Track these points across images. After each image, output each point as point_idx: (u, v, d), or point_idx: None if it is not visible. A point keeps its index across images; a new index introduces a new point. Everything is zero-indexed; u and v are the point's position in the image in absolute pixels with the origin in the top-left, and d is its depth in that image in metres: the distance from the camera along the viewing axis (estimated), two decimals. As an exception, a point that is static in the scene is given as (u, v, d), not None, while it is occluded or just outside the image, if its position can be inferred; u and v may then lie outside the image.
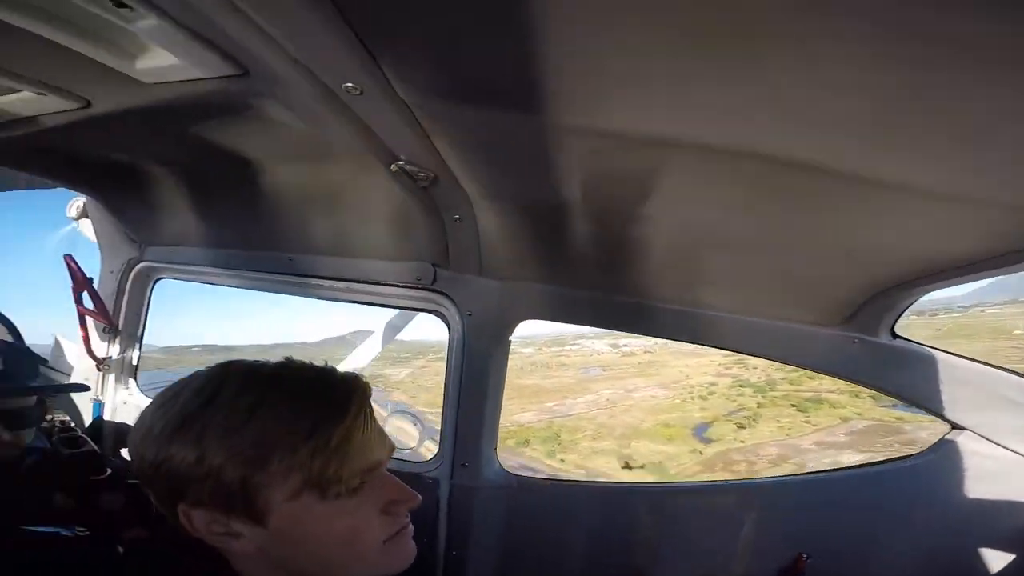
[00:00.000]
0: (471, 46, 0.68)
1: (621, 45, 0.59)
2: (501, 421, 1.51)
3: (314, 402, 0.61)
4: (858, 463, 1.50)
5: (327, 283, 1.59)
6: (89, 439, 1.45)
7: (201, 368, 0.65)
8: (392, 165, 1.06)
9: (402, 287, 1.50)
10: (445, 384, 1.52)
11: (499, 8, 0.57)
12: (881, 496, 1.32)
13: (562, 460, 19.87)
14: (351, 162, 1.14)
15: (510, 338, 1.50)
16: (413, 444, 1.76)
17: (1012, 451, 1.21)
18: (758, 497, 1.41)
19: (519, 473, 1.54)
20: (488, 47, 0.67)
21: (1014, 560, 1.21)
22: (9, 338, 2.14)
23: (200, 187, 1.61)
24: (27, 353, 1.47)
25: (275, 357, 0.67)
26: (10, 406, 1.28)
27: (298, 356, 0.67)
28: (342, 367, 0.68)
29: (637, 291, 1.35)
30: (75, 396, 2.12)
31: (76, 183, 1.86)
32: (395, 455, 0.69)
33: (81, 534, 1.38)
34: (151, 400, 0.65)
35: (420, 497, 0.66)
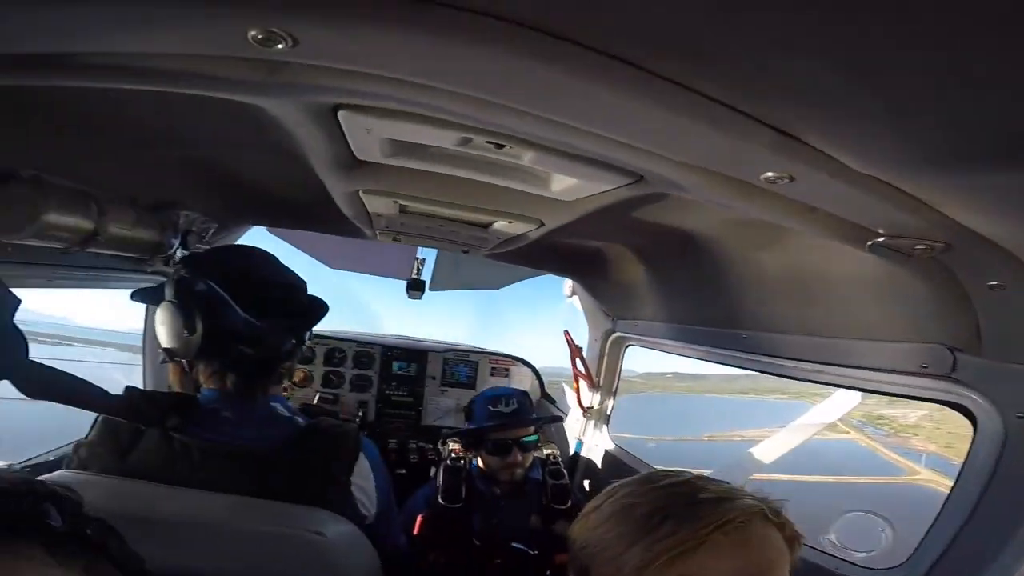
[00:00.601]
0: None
1: None
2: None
3: (650, 528, 0.67)
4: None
5: (790, 363, 1.40)
6: (565, 473, 1.75)
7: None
8: (868, 241, 0.83)
9: (900, 373, 1.14)
10: (955, 482, 1.07)
11: None
12: None
13: None
14: (810, 235, 0.97)
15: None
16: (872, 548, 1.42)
17: None
18: None
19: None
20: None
21: None
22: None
23: (654, 266, 1.77)
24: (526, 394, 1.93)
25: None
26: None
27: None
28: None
29: None
30: (567, 433, 2.72)
31: (560, 270, 2.46)
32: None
33: (532, 553, 1.66)
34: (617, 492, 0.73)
35: None
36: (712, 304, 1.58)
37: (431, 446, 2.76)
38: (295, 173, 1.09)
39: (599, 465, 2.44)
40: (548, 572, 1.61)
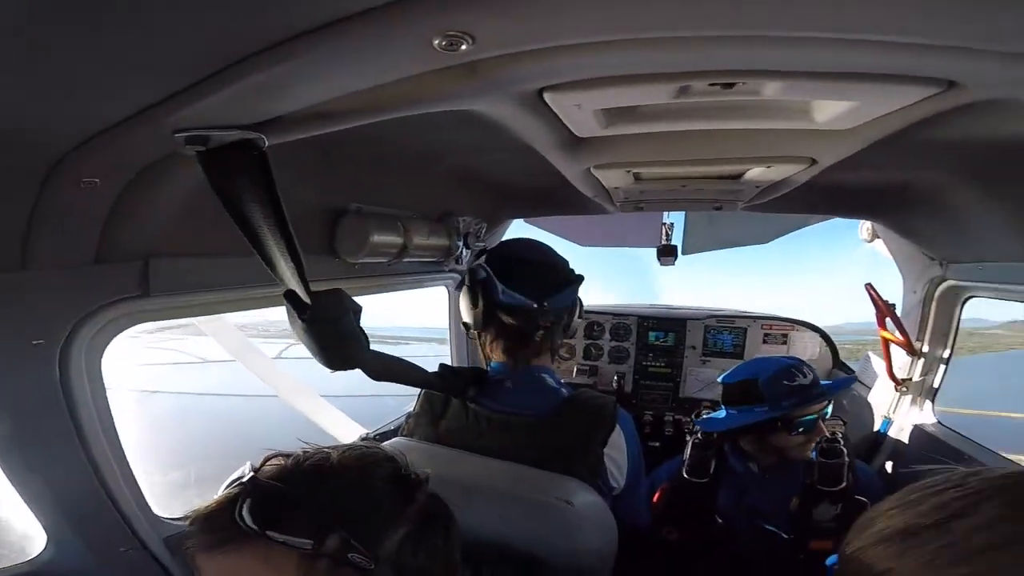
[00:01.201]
0: None
1: None
2: None
3: None
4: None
5: None
6: (844, 451, 1.43)
7: None
8: None
9: None
10: None
11: None
12: None
13: None
14: None
15: None
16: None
17: None
18: None
19: None
20: None
21: None
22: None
23: (998, 190, 1.26)
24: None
25: None
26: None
27: None
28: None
29: None
30: (873, 412, 2.21)
31: (852, 212, 1.96)
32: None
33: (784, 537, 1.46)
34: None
35: None
36: None
37: (688, 419, 2.60)
38: (531, 164, 1.16)
39: (916, 450, 1.93)
40: (801, 557, 1.40)
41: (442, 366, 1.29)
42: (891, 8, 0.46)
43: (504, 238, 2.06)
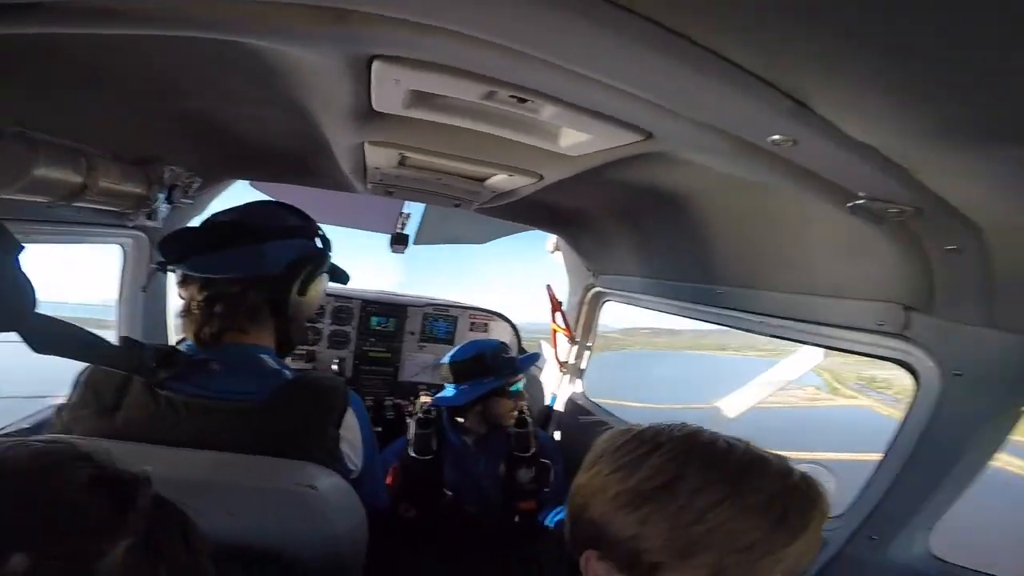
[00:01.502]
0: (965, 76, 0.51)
1: None
2: None
3: (780, 512, 0.59)
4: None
5: (757, 318, 1.51)
6: (530, 421, 1.81)
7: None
8: (848, 203, 0.90)
9: (857, 330, 1.25)
10: (892, 439, 1.20)
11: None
12: None
13: None
14: (790, 195, 1.04)
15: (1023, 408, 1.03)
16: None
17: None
18: None
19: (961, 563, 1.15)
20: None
21: None
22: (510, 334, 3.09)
23: (635, 223, 1.84)
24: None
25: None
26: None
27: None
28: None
29: None
30: (545, 389, 2.84)
31: (547, 226, 2.51)
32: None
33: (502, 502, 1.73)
34: (607, 438, 0.72)
35: None
36: (691, 260, 1.67)
37: (407, 402, 2.70)
38: (293, 125, 1.08)
39: (572, 418, 2.57)
40: (517, 520, 1.70)
41: (125, 339, 1.01)
42: (624, 62, 0.62)
43: (223, 203, 1.79)
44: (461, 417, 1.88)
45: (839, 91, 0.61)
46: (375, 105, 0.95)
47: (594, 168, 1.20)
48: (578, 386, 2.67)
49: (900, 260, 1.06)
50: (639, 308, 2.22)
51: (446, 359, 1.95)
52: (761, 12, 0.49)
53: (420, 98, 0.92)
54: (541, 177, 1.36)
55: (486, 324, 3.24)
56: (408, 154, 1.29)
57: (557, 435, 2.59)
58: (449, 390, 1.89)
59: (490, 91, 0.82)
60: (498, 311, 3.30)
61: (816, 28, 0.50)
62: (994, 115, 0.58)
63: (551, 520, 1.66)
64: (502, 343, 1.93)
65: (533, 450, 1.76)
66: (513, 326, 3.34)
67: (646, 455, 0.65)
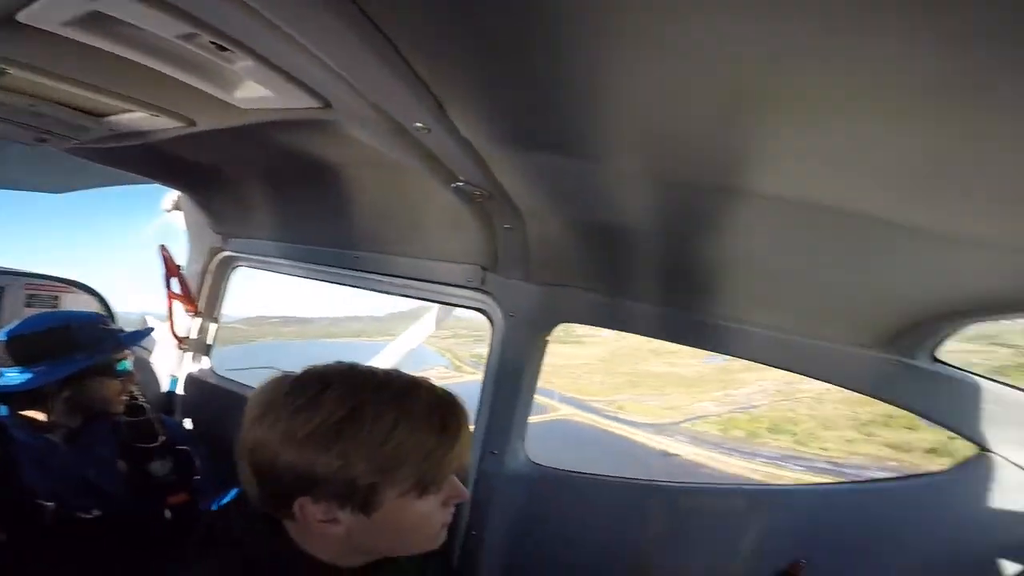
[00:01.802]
0: (527, 99, 0.79)
1: (673, 101, 0.68)
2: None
3: (440, 421, 0.72)
4: (873, 478, 1.46)
5: (387, 279, 1.74)
6: (147, 409, 1.56)
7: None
8: (452, 184, 1.20)
9: (454, 286, 1.63)
10: (484, 377, 1.63)
11: (550, 68, 0.67)
12: (892, 510, 1.33)
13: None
14: (417, 175, 1.28)
15: (547, 338, 1.61)
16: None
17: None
18: (766, 502, 1.45)
19: (547, 464, 1.62)
20: (543, 101, 0.78)
21: None
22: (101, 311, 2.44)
23: (278, 187, 1.80)
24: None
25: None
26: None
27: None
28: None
29: (683, 304, 1.39)
30: (157, 371, 2.40)
31: (171, 181, 2.12)
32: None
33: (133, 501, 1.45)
34: (267, 389, 0.74)
35: (468, 494, 0.79)
36: (334, 227, 1.77)
37: None
38: None
39: (206, 400, 2.28)
40: (169, 515, 1.46)
41: None
42: (314, 27, 0.66)
43: None
44: (36, 410, 1.39)
45: (461, 97, 0.83)
46: (23, 16, 0.73)
47: (258, 124, 1.15)
48: (206, 362, 2.37)
49: (480, 233, 1.46)
50: (274, 274, 2.15)
51: (1, 335, 1.40)
52: (429, 9, 0.61)
53: (97, 21, 0.74)
54: (193, 123, 1.20)
55: (56, 297, 2.43)
56: (13, 71, 0.95)
57: (188, 424, 2.23)
58: (12, 374, 1.36)
59: (191, 33, 0.73)
60: (76, 280, 2.52)
61: (457, 41, 0.66)
62: (534, 129, 0.90)
63: (225, 503, 1.44)
64: (99, 314, 1.53)
65: (163, 438, 1.50)
66: (101, 299, 2.62)
67: (319, 394, 0.69)
